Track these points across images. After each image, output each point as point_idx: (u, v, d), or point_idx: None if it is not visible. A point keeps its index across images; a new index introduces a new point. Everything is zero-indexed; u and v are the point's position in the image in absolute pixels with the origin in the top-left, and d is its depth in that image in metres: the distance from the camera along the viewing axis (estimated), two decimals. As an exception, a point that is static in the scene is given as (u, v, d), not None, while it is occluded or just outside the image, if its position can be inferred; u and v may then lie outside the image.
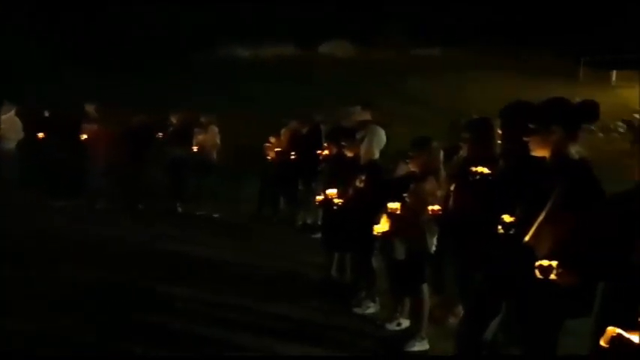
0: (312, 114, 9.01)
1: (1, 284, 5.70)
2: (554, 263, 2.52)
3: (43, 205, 9.49)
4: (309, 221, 8.64)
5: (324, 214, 6.48)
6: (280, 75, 19.50)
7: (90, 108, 9.75)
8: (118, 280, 5.99)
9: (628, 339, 1.95)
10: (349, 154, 5.66)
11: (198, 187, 9.92)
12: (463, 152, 4.18)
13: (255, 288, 5.94)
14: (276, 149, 8.96)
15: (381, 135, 5.41)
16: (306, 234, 8.22)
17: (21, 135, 9.86)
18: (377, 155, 5.38)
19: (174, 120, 9.90)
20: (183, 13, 23.32)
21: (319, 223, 7.55)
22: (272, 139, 9.11)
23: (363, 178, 5.27)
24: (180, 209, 9.74)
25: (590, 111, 2.88)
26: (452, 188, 4.03)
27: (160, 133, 9.79)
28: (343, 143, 5.72)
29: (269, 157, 9.13)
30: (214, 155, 9.66)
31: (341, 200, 5.44)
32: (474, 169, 3.39)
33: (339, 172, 5.81)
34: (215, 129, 9.60)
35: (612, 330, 1.98)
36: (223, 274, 6.43)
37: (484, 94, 16.20)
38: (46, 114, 9.86)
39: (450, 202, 3.98)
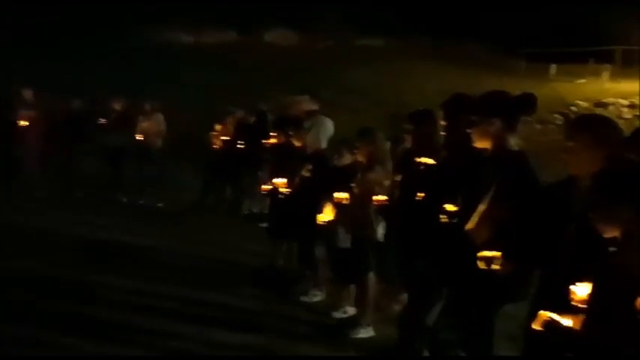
0: (258, 103, 8.97)
1: None
2: (498, 254, 2.62)
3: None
4: (254, 210, 8.61)
5: (270, 203, 6.47)
6: (221, 62, 19.25)
7: (27, 93, 9.38)
8: (54, 269, 5.84)
9: (559, 322, 2.05)
10: (297, 143, 5.67)
11: (140, 176, 9.71)
12: (407, 143, 4.26)
13: (198, 277, 5.89)
14: (223, 138, 8.86)
15: (329, 125, 5.45)
16: (251, 223, 8.19)
17: None
18: (324, 145, 5.41)
19: (116, 107, 9.66)
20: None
21: (265, 212, 7.54)
22: (218, 128, 9.01)
23: (310, 167, 5.29)
24: (124, 199, 9.53)
25: (527, 103, 2.99)
26: (397, 179, 4.10)
27: (103, 120, 9.50)
28: (291, 132, 5.72)
29: (215, 146, 9.02)
30: (159, 143, 9.47)
31: (288, 190, 5.45)
32: (418, 160, 3.46)
33: (286, 161, 5.82)
34: (160, 117, 9.42)
35: (544, 314, 2.08)
36: (166, 264, 6.35)
37: (426, 86, 16.56)
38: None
39: (396, 192, 4.05)
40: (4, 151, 9.48)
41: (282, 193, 5.51)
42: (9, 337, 4.28)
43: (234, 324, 4.77)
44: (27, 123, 9.31)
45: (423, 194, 3.48)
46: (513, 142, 2.96)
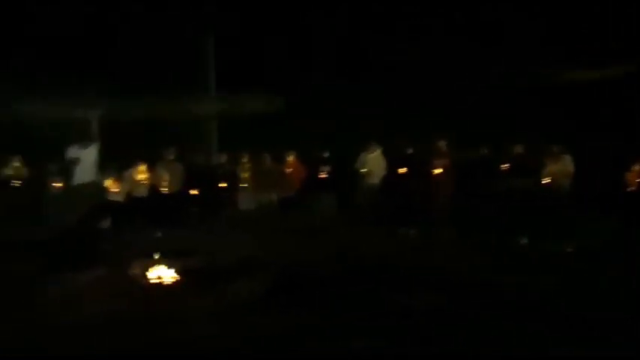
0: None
1: (347, 300, 6.30)
2: None
3: (394, 232, 10.28)
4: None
5: None
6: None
7: (441, 144, 10.37)
8: (448, 306, 6.07)
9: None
10: None
11: (544, 219, 9.46)
12: None
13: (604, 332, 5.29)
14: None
15: None
16: None
17: (384, 172, 11.02)
18: None
19: (518, 151, 9.76)
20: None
21: None
22: (636, 167, 8.16)
23: None
24: (525, 241, 9.41)
25: None
26: None
27: (505, 165, 9.70)
28: None
29: (632, 187, 8.18)
30: (567, 185, 9.13)
31: None
32: None
33: None
34: (568, 158, 9.11)
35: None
36: (563, 312, 5.93)
37: None
38: (409, 151, 10.86)
39: None
40: (417, 196, 10.57)
41: None
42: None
43: None
44: (441, 171, 10.23)
45: None
46: None
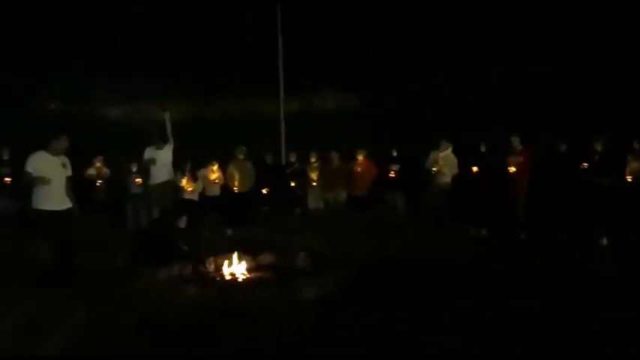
0: None
1: (414, 300, 6.16)
2: None
3: (465, 233, 10.07)
4: None
5: None
6: None
7: (515, 141, 10.02)
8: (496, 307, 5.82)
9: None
10: None
11: (628, 220, 8.99)
12: None
13: None
14: None
15: None
16: None
17: (455, 170, 10.77)
18: None
19: (598, 148, 9.32)
20: None
21: None
22: None
23: None
24: (605, 242, 9.00)
25: None
26: None
27: (585, 164, 9.28)
28: None
29: None
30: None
31: None
32: None
33: None
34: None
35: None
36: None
37: None
38: (482, 149, 10.55)
39: None
40: (492, 196, 10.26)
41: None
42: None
43: None
44: (515, 169, 9.91)
45: None
46: None
